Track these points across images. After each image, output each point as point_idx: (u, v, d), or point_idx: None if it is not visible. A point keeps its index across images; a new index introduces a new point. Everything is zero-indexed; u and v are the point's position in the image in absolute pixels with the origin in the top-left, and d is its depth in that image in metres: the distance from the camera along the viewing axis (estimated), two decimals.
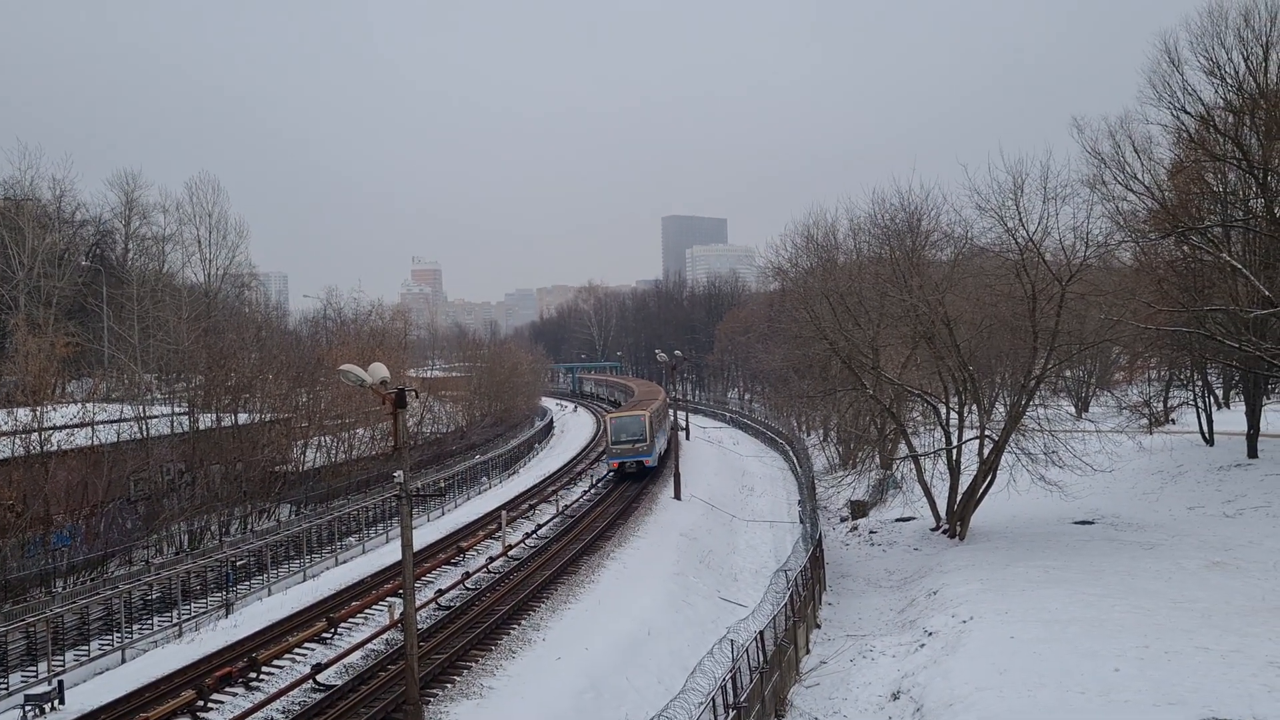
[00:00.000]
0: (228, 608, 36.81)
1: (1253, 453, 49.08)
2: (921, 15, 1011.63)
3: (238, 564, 40.23)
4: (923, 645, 28.13)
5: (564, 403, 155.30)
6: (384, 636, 30.82)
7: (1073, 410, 69.01)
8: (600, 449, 76.55)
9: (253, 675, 27.31)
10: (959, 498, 43.73)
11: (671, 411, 73.06)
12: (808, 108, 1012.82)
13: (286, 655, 29.23)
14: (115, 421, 50.38)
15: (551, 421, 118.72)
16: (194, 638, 32.77)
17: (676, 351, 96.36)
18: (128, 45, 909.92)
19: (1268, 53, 40.33)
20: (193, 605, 36.60)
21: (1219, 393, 66.10)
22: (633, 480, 60.43)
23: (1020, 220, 39.86)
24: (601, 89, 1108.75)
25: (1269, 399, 54.22)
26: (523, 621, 32.01)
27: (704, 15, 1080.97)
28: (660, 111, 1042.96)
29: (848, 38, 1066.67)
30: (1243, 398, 54.57)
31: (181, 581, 36.45)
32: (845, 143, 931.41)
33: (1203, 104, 42.71)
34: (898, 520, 49.90)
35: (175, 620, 34.77)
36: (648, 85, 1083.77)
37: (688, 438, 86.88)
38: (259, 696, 26.03)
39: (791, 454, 75.54)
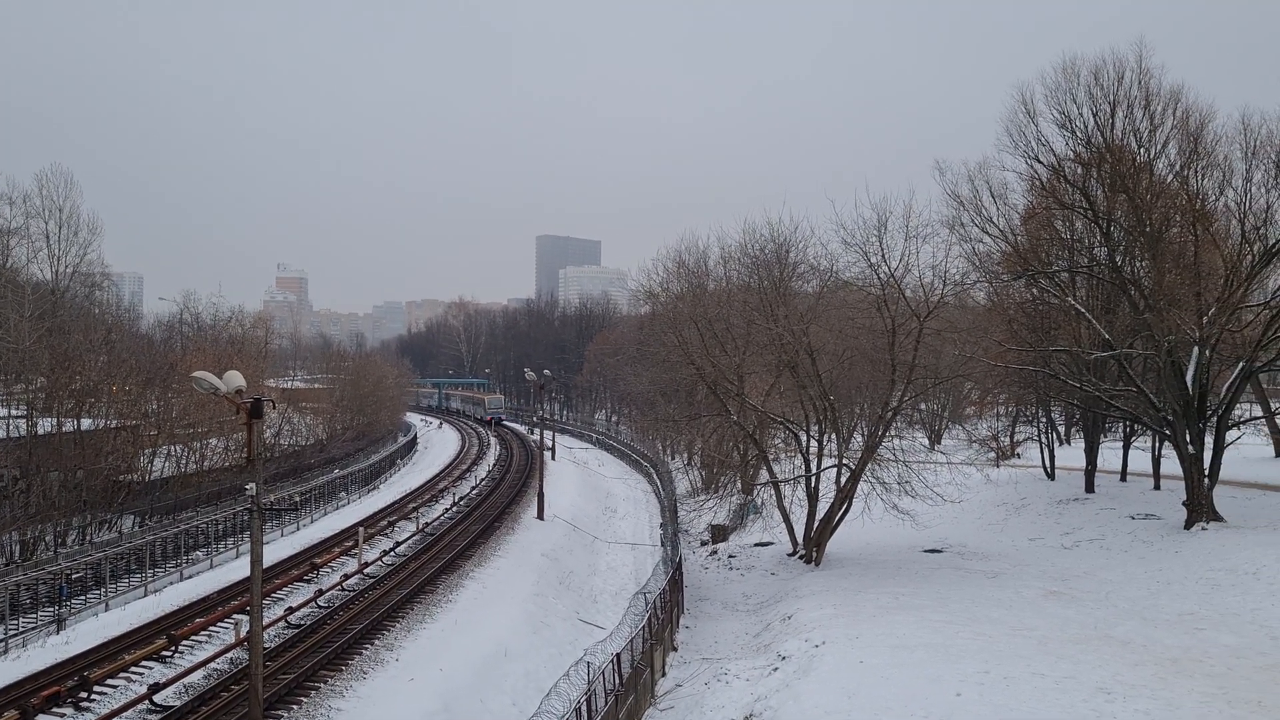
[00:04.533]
0: (60, 623, 34.86)
1: (1090, 488, 51.63)
2: (794, 47, 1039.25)
3: (73, 577, 38.20)
4: (776, 669, 28.53)
5: (429, 419, 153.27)
6: (229, 655, 29.65)
7: (926, 442, 71.49)
8: (465, 467, 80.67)
9: (84, 695, 25.91)
10: (816, 524, 44.67)
11: (539, 431, 73.23)
12: (684, 135, 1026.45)
13: (122, 674, 27.83)
14: None
15: (416, 437, 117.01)
16: (21, 655, 30.88)
17: (546, 371, 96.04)
18: None
19: (1114, 110, 42.61)
20: (21, 620, 34.53)
21: (1061, 429, 69.41)
22: (497, 492, 60.15)
23: (883, 256, 41.17)
24: (481, 97, 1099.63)
25: (1105, 437, 57.21)
26: (376, 641, 31.27)
27: (584, 32, 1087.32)
28: (539, 129, 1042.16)
29: (718, 68, 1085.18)
30: (1082, 435, 57.45)
31: (10, 594, 34.36)
32: (718, 172, 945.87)
33: (1054, 155, 44.80)
34: (757, 545, 50.66)
35: (1, 636, 32.69)
36: (528, 98, 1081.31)
37: (554, 458, 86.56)
38: (90, 717, 24.73)
39: (655, 477, 76.08)
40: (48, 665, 28.57)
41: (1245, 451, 55.84)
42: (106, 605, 37.97)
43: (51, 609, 35.79)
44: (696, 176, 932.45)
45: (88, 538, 50.43)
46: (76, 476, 52.20)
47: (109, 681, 27.18)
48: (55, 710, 24.91)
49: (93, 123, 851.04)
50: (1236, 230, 41.76)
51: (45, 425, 53.42)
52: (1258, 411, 59.10)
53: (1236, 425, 48.00)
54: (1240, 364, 41.97)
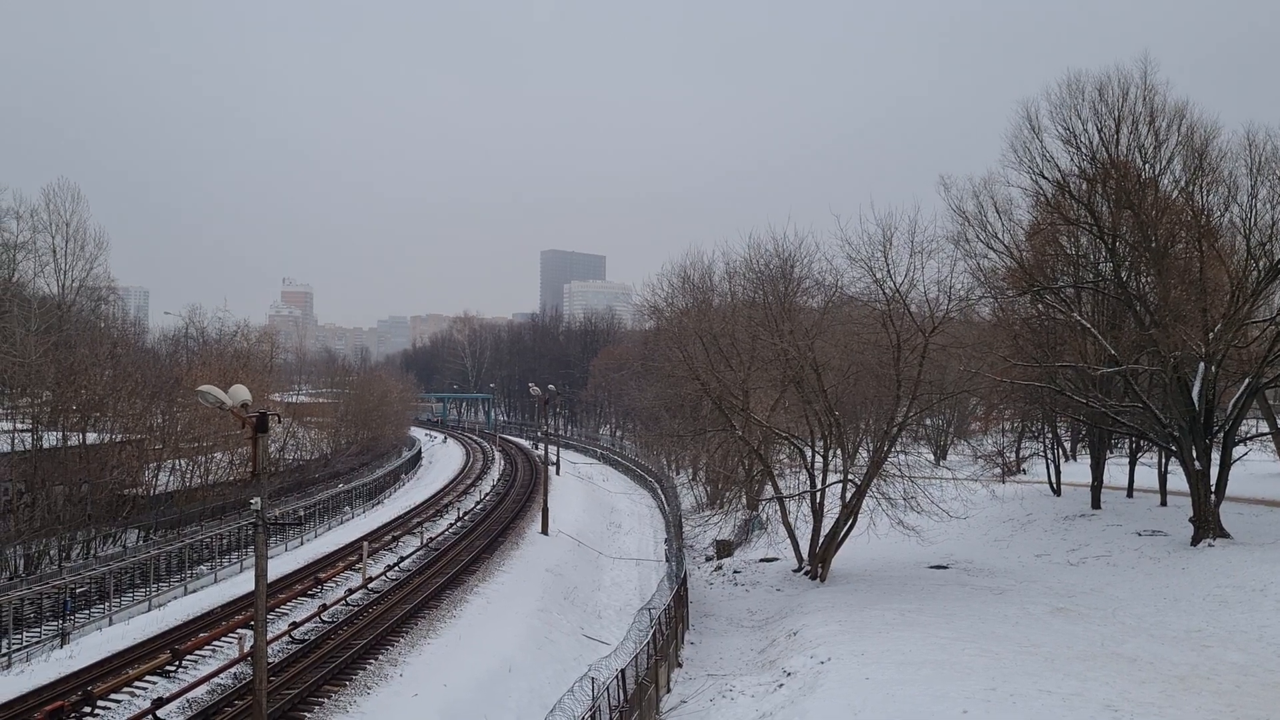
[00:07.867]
0: (64, 637, 34.82)
1: (1096, 504, 51.47)
2: (794, 55, 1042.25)
3: (77, 591, 38.19)
4: (781, 685, 28.43)
5: (433, 433, 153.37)
6: (232, 670, 29.57)
7: (931, 458, 71.30)
8: (469, 481, 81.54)
9: (87, 710, 25.84)
10: (821, 540, 44.54)
11: (543, 446, 73.21)
12: (689, 144, 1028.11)
13: (125, 688, 27.77)
14: None
15: (420, 452, 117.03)
16: (24, 669, 30.85)
17: (550, 386, 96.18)
18: None
19: (1119, 126, 42.69)
20: (25, 634, 34.54)
21: (1067, 445, 69.22)
22: (502, 507, 60.15)
23: (888, 271, 41.14)
24: (485, 113, 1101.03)
25: (1112, 453, 57.09)
26: (380, 656, 31.19)
27: (592, 49, 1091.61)
28: (546, 142, 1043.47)
29: (728, 84, 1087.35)
30: (1088, 451, 57.30)
31: (14, 609, 34.36)
32: (723, 182, 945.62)
33: (1059, 170, 44.83)
34: (761, 561, 50.52)
35: (4, 650, 32.69)
36: (535, 111, 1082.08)
37: (558, 473, 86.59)
38: None
39: (660, 492, 75.98)
40: (51, 680, 28.54)
41: (1252, 468, 55.71)
42: (110, 619, 37.94)
43: (55, 623, 35.76)
44: (703, 194, 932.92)
45: (92, 552, 50.43)
46: (81, 490, 52.25)
47: (112, 696, 27.12)
48: None
49: (99, 133, 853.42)
50: (1242, 246, 41.80)
51: (50, 439, 53.44)
52: (1264, 428, 58.95)
53: (1243, 441, 47.97)
54: (1246, 380, 41.92)
